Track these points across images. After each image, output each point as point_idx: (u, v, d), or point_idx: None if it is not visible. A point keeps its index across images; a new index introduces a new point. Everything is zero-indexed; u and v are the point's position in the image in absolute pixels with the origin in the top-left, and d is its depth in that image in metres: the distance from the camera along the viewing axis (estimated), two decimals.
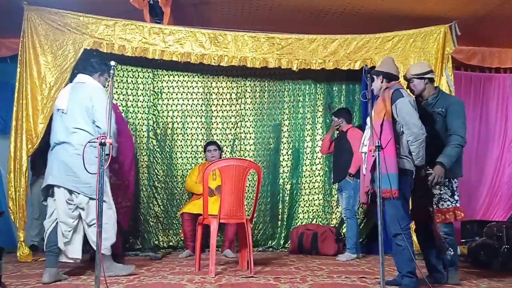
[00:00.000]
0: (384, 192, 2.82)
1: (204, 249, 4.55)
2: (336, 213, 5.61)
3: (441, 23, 4.86)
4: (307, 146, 5.80)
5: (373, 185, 3.05)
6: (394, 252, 3.05)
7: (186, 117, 5.68)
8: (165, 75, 5.68)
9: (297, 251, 5.05)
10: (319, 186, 5.70)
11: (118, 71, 5.43)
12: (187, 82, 5.73)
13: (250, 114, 5.80)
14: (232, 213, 3.67)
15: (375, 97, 3.20)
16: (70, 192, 3.26)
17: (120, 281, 3.17)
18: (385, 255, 2.91)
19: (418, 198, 3.26)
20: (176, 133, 5.65)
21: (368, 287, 3.10)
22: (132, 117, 5.56)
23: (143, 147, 5.56)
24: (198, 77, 5.74)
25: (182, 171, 5.58)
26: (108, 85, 5.24)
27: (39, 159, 4.67)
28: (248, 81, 5.81)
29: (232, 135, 5.75)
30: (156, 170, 5.55)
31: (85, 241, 3.37)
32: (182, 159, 5.62)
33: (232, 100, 5.78)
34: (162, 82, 5.67)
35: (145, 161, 5.54)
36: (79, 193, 3.23)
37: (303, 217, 5.67)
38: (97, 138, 2.50)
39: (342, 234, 5.40)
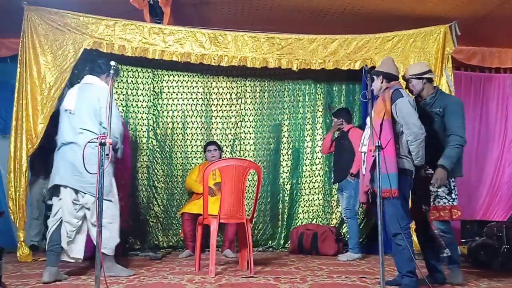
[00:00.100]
0: (384, 192, 2.82)
1: (204, 249, 4.55)
2: (336, 213, 5.61)
3: (441, 23, 4.86)
4: (307, 146, 5.79)
5: (372, 185, 3.06)
6: (394, 251, 3.06)
7: (186, 117, 5.68)
8: (165, 75, 5.68)
9: (297, 251, 5.05)
10: (319, 186, 5.70)
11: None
12: (187, 82, 5.73)
13: (250, 114, 5.80)
14: (232, 213, 3.67)
15: (375, 97, 3.21)
16: (76, 192, 3.28)
17: (120, 281, 3.18)
18: (385, 255, 2.91)
19: (418, 198, 3.27)
20: (176, 133, 5.65)
21: (368, 287, 3.11)
22: (132, 117, 5.56)
23: (143, 147, 5.56)
24: (198, 77, 5.74)
25: (182, 171, 5.58)
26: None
27: (38, 159, 4.67)
28: (248, 81, 5.81)
29: (232, 135, 5.75)
30: (156, 170, 5.55)
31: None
32: (182, 159, 5.62)
33: (232, 100, 5.78)
34: (162, 82, 5.67)
35: (145, 161, 5.54)
36: (85, 193, 3.25)
37: (303, 217, 5.66)
38: (97, 138, 2.51)
39: (342, 234, 5.41)
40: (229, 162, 3.78)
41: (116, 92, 5.48)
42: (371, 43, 4.93)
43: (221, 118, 5.75)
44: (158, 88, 5.66)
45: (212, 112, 5.75)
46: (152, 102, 5.62)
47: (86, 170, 2.75)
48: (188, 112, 5.69)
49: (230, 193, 3.66)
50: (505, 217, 5.71)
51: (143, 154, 5.55)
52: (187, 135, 5.66)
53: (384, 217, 2.89)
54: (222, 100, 5.77)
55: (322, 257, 4.74)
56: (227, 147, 5.70)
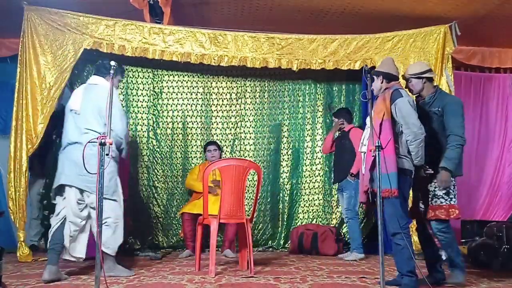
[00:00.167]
0: (383, 192, 2.82)
1: (204, 249, 4.55)
2: (336, 213, 5.61)
3: (441, 23, 4.86)
4: (307, 146, 5.79)
5: (372, 184, 3.07)
6: (394, 251, 3.06)
7: (186, 117, 5.68)
8: (165, 75, 5.68)
9: (297, 251, 5.05)
10: (319, 186, 5.70)
11: None
12: (187, 82, 5.73)
13: (250, 114, 5.79)
14: (232, 213, 3.67)
15: (375, 97, 3.21)
16: (81, 192, 3.30)
17: (120, 281, 3.18)
18: (385, 255, 2.91)
19: (418, 197, 3.27)
20: (176, 133, 5.65)
21: (368, 287, 3.11)
22: (132, 117, 5.56)
23: (143, 147, 5.56)
24: (198, 77, 5.74)
25: (182, 171, 5.58)
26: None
27: (37, 160, 4.67)
28: (248, 81, 5.81)
29: (232, 135, 5.75)
30: (156, 170, 5.55)
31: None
32: (182, 159, 5.62)
33: (232, 100, 5.78)
34: (162, 82, 5.67)
35: (145, 161, 5.54)
36: (91, 193, 3.26)
37: (303, 217, 5.66)
38: (97, 138, 2.51)
39: (342, 234, 5.41)
40: (229, 162, 3.78)
41: None
42: (371, 43, 4.94)
43: (221, 118, 5.75)
44: (158, 88, 5.66)
45: (212, 112, 5.75)
46: (152, 102, 5.62)
47: (86, 170, 2.75)
48: (188, 112, 5.69)
49: (230, 193, 3.66)
50: (505, 217, 5.71)
51: (143, 154, 5.56)
52: (187, 135, 5.66)
53: (383, 216, 2.89)
54: (222, 100, 5.77)
55: (322, 257, 4.74)
56: (227, 147, 5.70)
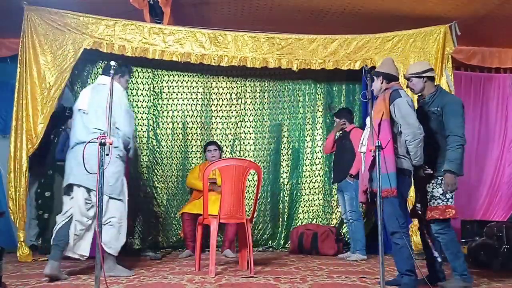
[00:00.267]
0: (383, 191, 2.83)
1: (204, 249, 4.55)
2: (336, 213, 5.61)
3: (441, 23, 4.86)
4: (307, 146, 5.79)
5: (371, 184, 3.07)
6: (393, 251, 3.07)
7: (186, 117, 5.68)
8: (165, 75, 5.68)
9: (297, 251, 5.05)
10: (319, 186, 5.70)
11: None
12: (187, 82, 5.73)
13: (250, 114, 5.79)
14: (232, 213, 3.67)
15: (375, 97, 3.21)
16: (89, 191, 3.31)
17: (120, 281, 3.18)
18: (385, 255, 2.91)
19: (419, 197, 3.27)
20: (176, 133, 5.65)
21: (368, 287, 3.11)
22: None
23: (143, 147, 5.56)
24: (198, 77, 5.74)
25: (182, 171, 5.57)
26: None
27: (35, 160, 4.66)
28: (248, 81, 5.81)
29: (232, 135, 5.75)
30: (156, 170, 5.55)
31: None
32: (182, 159, 5.62)
33: (232, 100, 5.78)
34: (162, 82, 5.67)
35: (145, 161, 5.54)
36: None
37: (303, 217, 5.66)
38: (97, 138, 2.51)
39: (342, 234, 5.40)
40: (229, 162, 3.78)
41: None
42: (371, 43, 4.94)
43: (221, 118, 5.75)
44: (158, 88, 5.66)
45: (212, 112, 5.75)
46: (152, 102, 5.62)
47: (86, 170, 2.75)
48: (188, 112, 5.69)
49: (230, 193, 3.66)
50: (505, 217, 5.71)
51: (143, 154, 5.55)
52: (187, 135, 5.66)
53: (382, 216, 2.89)
54: (222, 100, 5.77)
55: (322, 257, 4.74)
56: (227, 147, 5.70)
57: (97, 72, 5.34)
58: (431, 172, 3.13)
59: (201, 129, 5.69)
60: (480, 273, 3.71)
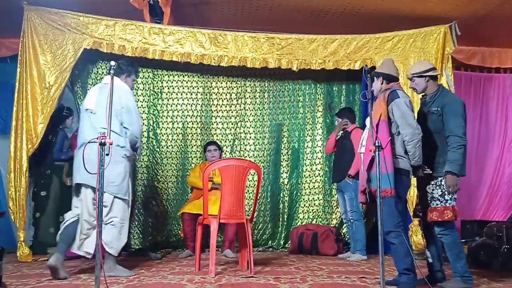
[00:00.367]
0: (382, 191, 2.84)
1: (204, 249, 4.55)
2: (336, 213, 5.61)
3: (441, 23, 4.86)
4: (307, 146, 5.79)
5: (369, 185, 3.08)
6: (391, 250, 3.08)
7: (186, 117, 5.67)
8: (165, 75, 5.68)
9: (297, 251, 5.05)
10: (319, 186, 5.70)
11: None
12: (187, 82, 5.73)
13: (250, 114, 5.79)
14: (232, 213, 3.67)
15: (375, 98, 3.21)
16: (95, 190, 3.30)
17: (120, 281, 3.17)
18: (385, 255, 2.91)
19: (420, 197, 3.28)
20: (176, 133, 5.65)
21: (368, 287, 3.11)
22: None
23: (143, 147, 5.55)
24: (198, 77, 5.74)
25: (182, 171, 5.57)
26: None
27: (34, 160, 4.65)
28: (248, 81, 5.81)
29: (232, 135, 5.75)
30: (156, 170, 5.55)
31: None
32: (182, 159, 5.62)
33: (232, 100, 5.78)
34: (162, 82, 5.67)
35: (145, 161, 5.54)
36: (104, 192, 3.26)
37: (303, 217, 5.66)
38: (97, 138, 2.51)
39: (342, 234, 5.40)
40: (229, 162, 3.78)
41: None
42: (371, 43, 4.94)
43: (221, 118, 5.75)
44: (158, 88, 5.66)
45: (212, 112, 5.75)
46: (152, 102, 5.62)
47: (86, 170, 2.76)
48: (188, 112, 5.69)
49: (230, 193, 3.66)
50: (505, 217, 5.71)
51: (143, 154, 5.55)
52: (187, 135, 5.66)
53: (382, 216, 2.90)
54: (222, 100, 5.77)
55: (322, 257, 4.74)
56: (227, 147, 5.70)
57: (97, 72, 5.34)
58: (430, 172, 3.13)
59: (201, 129, 5.69)
60: (480, 273, 3.71)
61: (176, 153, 5.63)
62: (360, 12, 4.97)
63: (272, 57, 4.90)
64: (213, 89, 5.77)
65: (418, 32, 4.89)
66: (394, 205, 2.96)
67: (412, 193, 4.51)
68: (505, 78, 6.06)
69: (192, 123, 5.69)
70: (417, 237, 4.66)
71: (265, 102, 5.82)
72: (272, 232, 5.63)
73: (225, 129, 5.75)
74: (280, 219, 5.68)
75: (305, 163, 5.76)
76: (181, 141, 5.65)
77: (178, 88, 5.70)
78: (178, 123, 5.66)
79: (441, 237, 3.12)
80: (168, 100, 5.66)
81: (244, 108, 5.79)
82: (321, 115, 5.81)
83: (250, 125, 5.78)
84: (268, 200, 5.67)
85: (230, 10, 4.99)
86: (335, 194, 5.55)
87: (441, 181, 3.09)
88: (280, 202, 5.71)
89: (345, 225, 5.23)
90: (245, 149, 5.74)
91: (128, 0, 4.26)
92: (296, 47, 4.92)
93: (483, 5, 4.78)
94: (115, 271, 3.35)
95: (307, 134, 5.80)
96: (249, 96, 5.81)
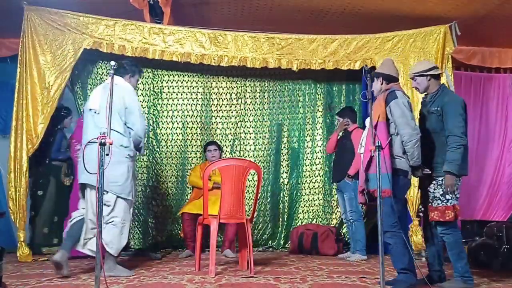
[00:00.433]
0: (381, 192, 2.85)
1: (204, 249, 4.54)
2: (336, 213, 5.61)
3: (441, 23, 4.86)
4: (307, 146, 5.79)
5: (367, 185, 3.08)
6: (388, 250, 3.09)
7: (186, 117, 5.67)
8: (165, 75, 5.68)
9: (297, 251, 5.05)
10: (319, 186, 5.70)
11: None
12: (187, 82, 5.73)
13: (250, 114, 5.79)
14: (232, 213, 3.67)
15: (375, 98, 3.22)
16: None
17: (120, 281, 3.17)
18: (385, 255, 2.91)
19: (421, 197, 3.29)
20: (176, 133, 5.65)
21: (368, 287, 3.11)
22: None
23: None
24: (198, 77, 5.74)
25: (182, 171, 5.57)
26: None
27: (33, 160, 4.64)
28: (248, 81, 5.81)
29: (232, 135, 5.75)
30: (156, 170, 5.55)
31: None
32: (182, 159, 5.62)
33: (232, 100, 5.78)
34: (162, 82, 5.67)
35: (145, 161, 5.54)
36: (108, 192, 3.30)
37: (303, 217, 5.66)
38: (97, 138, 2.51)
39: (342, 234, 5.40)
40: (229, 162, 3.78)
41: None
42: (371, 43, 4.94)
43: (221, 118, 5.75)
44: (158, 88, 5.66)
45: (212, 112, 5.75)
46: (152, 102, 5.62)
47: (86, 170, 2.76)
48: (188, 112, 5.68)
49: (230, 193, 3.66)
50: (505, 217, 5.71)
51: (138, 154, 5.54)
52: (187, 135, 5.66)
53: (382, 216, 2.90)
54: (222, 100, 5.77)
55: (322, 257, 4.74)
56: (227, 147, 5.70)
57: (97, 72, 5.34)
58: (430, 172, 3.13)
59: (201, 129, 5.69)
60: (480, 273, 3.71)
61: (176, 153, 5.63)
62: (360, 12, 4.97)
63: (272, 57, 4.90)
64: (213, 89, 5.77)
65: (418, 32, 4.89)
66: (390, 205, 2.95)
67: (413, 193, 4.52)
68: (505, 78, 6.06)
69: (192, 123, 5.68)
70: (417, 237, 4.66)
71: (265, 102, 5.82)
72: (272, 232, 5.63)
73: (225, 129, 5.75)
74: (280, 219, 5.68)
75: (305, 163, 5.76)
76: (181, 141, 5.65)
77: (178, 88, 5.70)
78: (178, 123, 5.65)
79: (443, 236, 3.12)
80: (168, 100, 5.66)
81: (244, 108, 5.79)
82: (321, 115, 5.80)
83: (250, 125, 5.78)
84: (268, 200, 5.67)
85: (230, 10, 4.99)
86: (335, 194, 5.55)
87: (441, 180, 3.09)
88: (280, 202, 5.71)
89: (345, 225, 5.23)
90: (245, 149, 5.74)
91: (128, 0, 4.26)
92: (296, 47, 4.92)
93: (483, 5, 4.78)
94: (115, 271, 3.35)
95: (307, 134, 5.80)
96: (249, 96, 5.81)
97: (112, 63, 2.76)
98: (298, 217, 5.67)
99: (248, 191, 5.43)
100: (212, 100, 5.75)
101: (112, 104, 2.71)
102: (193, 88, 5.73)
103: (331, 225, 5.44)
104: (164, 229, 5.45)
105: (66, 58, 4.53)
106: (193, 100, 5.71)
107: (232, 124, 5.76)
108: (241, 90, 5.80)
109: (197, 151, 5.65)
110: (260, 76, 5.76)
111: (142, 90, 5.62)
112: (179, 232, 5.23)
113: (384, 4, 4.78)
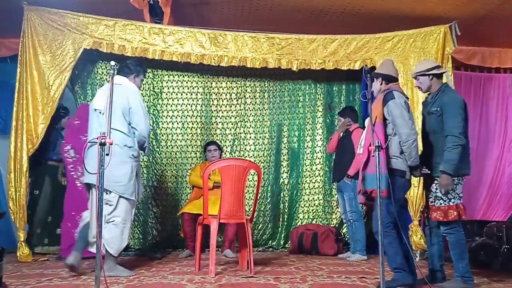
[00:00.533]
0: (374, 191, 2.85)
1: (204, 249, 4.55)
2: (336, 213, 5.61)
3: (441, 23, 4.86)
4: (307, 146, 5.79)
5: (363, 184, 3.10)
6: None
7: (186, 117, 5.67)
8: (165, 75, 5.67)
9: (297, 251, 5.05)
10: (319, 186, 5.69)
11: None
12: (187, 82, 5.73)
13: (250, 114, 5.79)
14: (232, 213, 3.67)
15: (375, 98, 3.22)
16: (105, 191, 3.31)
17: (120, 281, 3.18)
18: (385, 255, 2.91)
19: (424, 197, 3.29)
20: (176, 133, 5.65)
21: (368, 287, 3.11)
22: None
23: None
24: (198, 77, 5.74)
25: (182, 171, 5.57)
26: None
27: (32, 160, 4.64)
28: (248, 81, 5.81)
29: (232, 135, 5.75)
30: (156, 170, 5.55)
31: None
32: (182, 159, 5.62)
33: (232, 100, 5.78)
34: (162, 82, 5.67)
35: (145, 161, 5.53)
36: (111, 191, 3.31)
37: (303, 217, 5.66)
38: (97, 138, 2.51)
39: (342, 234, 5.40)
40: (229, 162, 3.78)
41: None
42: (371, 43, 4.94)
43: (221, 118, 5.75)
44: (158, 88, 5.66)
45: (212, 112, 5.75)
46: (152, 102, 5.62)
47: (86, 170, 2.76)
48: (188, 112, 5.68)
49: (230, 193, 3.66)
50: (505, 217, 5.71)
51: (143, 154, 5.54)
52: (187, 135, 5.66)
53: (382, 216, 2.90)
54: (222, 100, 5.77)
55: (322, 257, 4.74)
56: (227, 147, 5.70)
57: (97, 72, 5.34)
58: (428, 172, 3.13)
59: (201, 129, 5.69)
60: (480, 273, 3.71)
61: (176, 153, 5.63)
62: (360, 12, 4.97)
63: (272, 57, 4.90)
64: (213, 89, 5.77)
65: (418, 32, 4.89)
66: (385, 205, 2.95)
67: (413, 193, 4.52)
68: (505, 78, 6.05)
69: (192, 123, 5.68)
70: (417, 237, 4.66)
71: (265, 102, 5.82)
72: (272, 232, 5.63)
73: (225, 129, 5.75)
74: (280, 219, 5.67)
75: (305, 163, 5.76)
76: (181, 141, 5.64)
77: (178, 88, 5.70)
78: (178, 123, 5.65)
79: (446, 235, 3.13)
80: (168, 100, 5.66)
81: (244, 108, 5.79)
82: (321, 115, 5.80)
83: (250, 125, 5.78)
84: (268, 200, 5.67)
85: (230, 10, 4.99)
86: (335, 194, 5.55)
87: None
88: (280, 202, 5.71)
89: (345, 225, 5.23)
90: (245, 149, 5.74)
91: (128, 0, 4.26)
92: (296, 47, 4.92)
93: (483, 5, 4.78)
94: (115, 271, 3.35)
95: (307, 134, 5.80)
96: (249, 96, 5.80)
97: (112, 63, 2.76)
98: (298, 217, 5.67)
99: (248, 191, 5.43)
100: (212, 100, 5.75)
101: (111, 104, 2.70)
102: (193, 88, 5.73)
103: (331, 225, 5.44)
104: (164, 229, 5.44)
105: (66, 58, 4.53)
106: (193, 100, 5.71)
107: (232, 124, 5.76)
108: (241, 90, 5.80)
109: (197, 151, 5.65)
110: (260, 76, 5.76)
111: (142, 90, 5.60)
112: (179, 232, 5.23)
113: (384, 4, 4.78)
